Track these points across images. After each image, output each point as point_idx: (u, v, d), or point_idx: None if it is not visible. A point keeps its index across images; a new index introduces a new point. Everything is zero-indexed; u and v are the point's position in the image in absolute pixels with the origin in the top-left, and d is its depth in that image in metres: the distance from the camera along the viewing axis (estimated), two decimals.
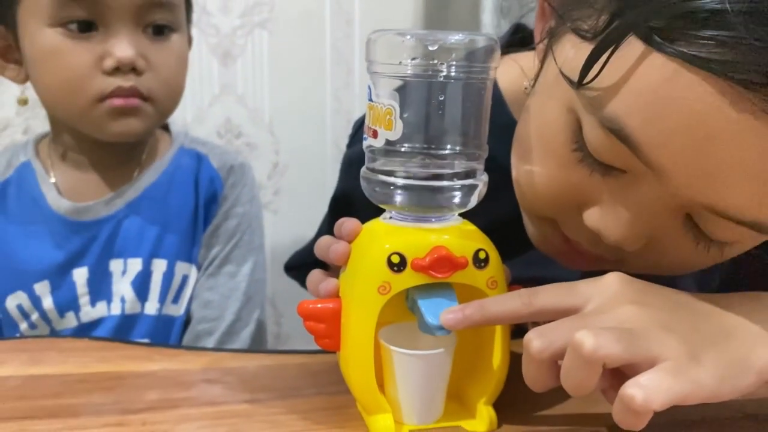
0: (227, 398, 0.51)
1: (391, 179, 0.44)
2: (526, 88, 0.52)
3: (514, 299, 0.43)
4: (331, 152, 1.29)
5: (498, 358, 0.47)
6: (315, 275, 0.50)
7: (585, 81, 0.40)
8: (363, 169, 0.46)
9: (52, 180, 0.84)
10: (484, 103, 0.45)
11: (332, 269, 0.50)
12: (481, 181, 0.45)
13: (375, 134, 0.44)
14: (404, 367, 0.45)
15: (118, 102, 0.75)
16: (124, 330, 0.83)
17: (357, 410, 0.49)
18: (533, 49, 0.52)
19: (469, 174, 0.45)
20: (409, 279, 0.44)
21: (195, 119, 1.28)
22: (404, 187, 0.44)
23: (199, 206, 0.87)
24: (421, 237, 0.44)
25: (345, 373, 0.47)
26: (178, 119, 1.26)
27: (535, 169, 0.47)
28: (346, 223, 0.48)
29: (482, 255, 0.45)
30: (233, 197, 0.89)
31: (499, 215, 0.52)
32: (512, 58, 0.60)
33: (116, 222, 0.83)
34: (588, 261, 0.49)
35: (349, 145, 0.73)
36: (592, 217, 0.45)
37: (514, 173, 0.50)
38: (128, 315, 0.83)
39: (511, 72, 0.59)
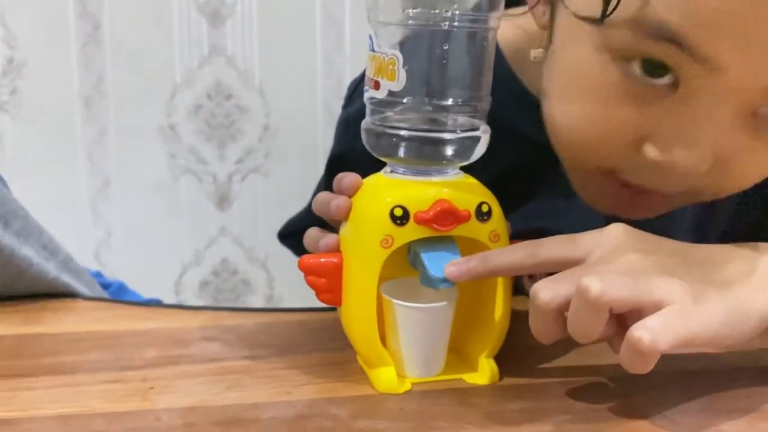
0: (227, 355, 0.51)
1: (394, 131, 0.43)
2: (535, 58, 0.50)
3: (518, 251, 0.43)
4: (322, 115, 1.27)
5: (500, 311, 0.47)
6: (313, 232, 0.50)
7: (610, 8, 0.39)
8: (364, 122, 0.46)
9: None
10: (488, 54, 0.44)
11: (329, 230, 0.49)
12: (484, 134, 0.45)
13: (377, 85, 0.44)
14: (406, 321, 0.45)
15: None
16: None
17: (358, 365, 0.49)
18: (525, 4, 0.51)
19: (472, 126, 0.44)
20: (411, 232, 0.44)
21: (184, 81, 1.25)
22: (406, 139, 0.43)
23: None
24: (424, 190, 0.44)
25: (347, 328, 0.47)
26: (166, 81, 1.24)
27: (585, 119, 0.45)
28: (346, 178, 0.47)
29: (485, 208, 0.45)
30: None
31: (497, 169, 0.51)
32: (507, 15, 0.59)
33: None
34: (654, 204, 0.48)
35: (346, 106, 0.72)
36: (654, 150, 0.42)
37: (553, 129, 0.48)
38: None
39: (506, 29, 0.58)
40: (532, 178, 0.61)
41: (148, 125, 1.25)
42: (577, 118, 0.46)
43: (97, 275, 0.90)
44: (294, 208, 0.75)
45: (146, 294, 0.92)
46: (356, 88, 0.68)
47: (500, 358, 0.47)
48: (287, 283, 1.33)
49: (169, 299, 1.29)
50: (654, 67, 0.41)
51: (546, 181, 0.61)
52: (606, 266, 0.40)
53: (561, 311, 0.40)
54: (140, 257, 1.29)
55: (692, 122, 0.41)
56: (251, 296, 1.35)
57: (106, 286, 0.86)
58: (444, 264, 0.44)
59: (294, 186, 1.19)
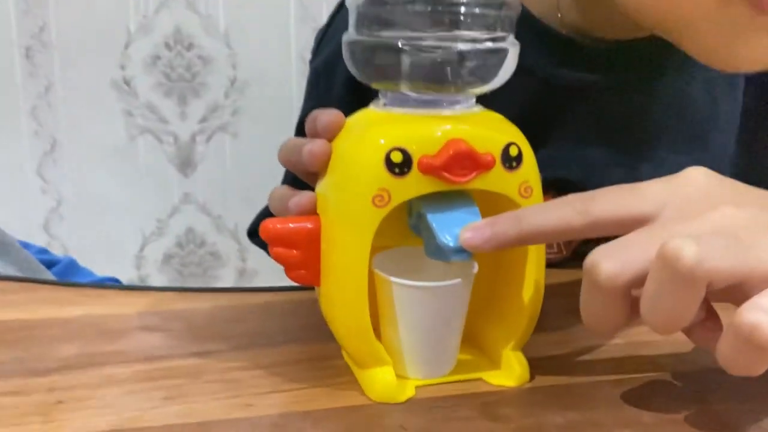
0: (169, 351, 0.39)
1: (390, 42, 0.31)
2: None
3: (563, 207, 0.31)
4: (296, 66, 1.17)
5: (530, 289, 0.35)
6: (281, 190, 0.38)
7: None
8: (347, 35, 0.34)
9: None
10: None
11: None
12: (513, 47, 0.33)
13: None
14: (409, 305, 0.34)
15: None
16: None
17: (344, 363, 0.37)
18: None
19: (497, 37, 0.32)
20: (414, 185, 0.32)
21: (140, 29, 1.14)
22: (407, 54, 0.31)
23: None
24: (431, 127, 0.32)
25: (328, 316, 0.35)
26: (119, 30, 1.12)
27: None
28: (323, 115, 0.35)
29: (513, 151, 0.33)
30: None
31: (512, 106, 0.40)
32: None
33: None
34: None
35: (313, 60, 0.62)
36: None
37: None
38: None
39: None
40: (545, 122, 0.51)
41: (100, 80, 1.14)
42: None
43: (43, 252, 0.79)
44: (266, 171, 0.65)
45: (102, 271, 0.82)
46: (323, 37, 0.60)
47: (527, 350, 0.36)
48: (262, 255, 1.22)
49: (129, 275, 1.20)
50: None
51: (560, 125, 0.51)
52: (690, 224, 0.29)
53: (629, 290, 0.29)
54: (95, 229, 1.19)
55: None
56: (221, 270, 1.25)
57: (51, 264, 0.74)
58: (459, 228, 0.32)
59: (266, 147, 1.06)
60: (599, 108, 0.50)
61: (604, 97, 0.51)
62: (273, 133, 1.13)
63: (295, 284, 0.36)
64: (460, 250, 0.32)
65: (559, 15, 0.49)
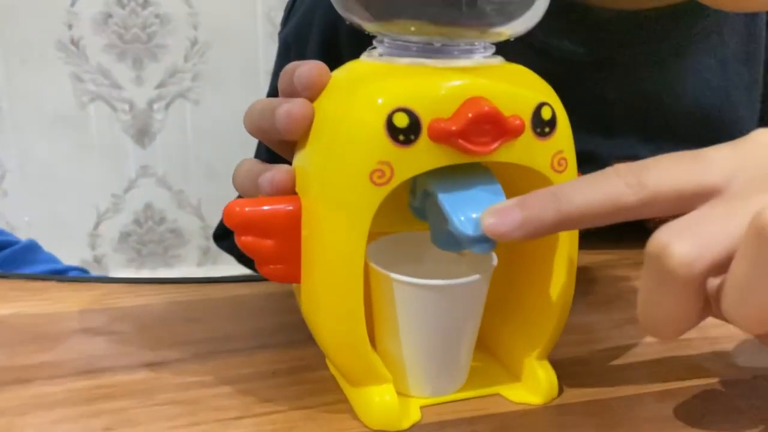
0: (115, 361, 0.32)
1: None
2: None
3: (611, 180, 0.25)
4: (263, 27, 1.12)
5: (558, 284, 0.29)
6: (249, 163, 0.31)
7: None
8: None
9: None
10: None
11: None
12: None
13: None
14: (414, 308, 0.27)
15: None
16: None
17: (330, 374, 0.31)
18: None
19: None
20: (424, 156, 0.25)
21: None
22: None
23: None
24: (445, 82, 0.25)
25: (312, 322, 0.28)
26: None
27: None
28: (303, 68, 0.28)
29: (546, 113, 0.27)
30: None
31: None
32: None
33: None
34: None
35: (282, 30, 0.57)
36: None
37: None
38: None
39: None
40: (561, 97, 0.45)
41: (45, 40, 1.07)
42: None
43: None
44: (231, 141, 0.60)
45: (53, 252, 0.74)
46: (292, 6, 0.56)
47: (553, 360, 0.30)
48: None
49: (82, 256, 1.15)
50: None
51: (576, 99, 0.45)
52: None
53: (704, 279, 0.23)
54: (44, 205, 1.13)
55: None
56: (183, 248, 1.20)
57: (4, 245, 0.66)
58: (479, 212, 0.25)
59: (230, 115, 1.03)
60: (601, 88, 0.45)
61: (609, 75, 0.45)
62: (238, 99, 1.08)
63: None
64: (482, 239, 0.25)
65: None
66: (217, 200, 0.94)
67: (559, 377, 0.30)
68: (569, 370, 0.31)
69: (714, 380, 0.31)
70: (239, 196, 0.31)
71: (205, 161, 1.12)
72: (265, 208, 0.27)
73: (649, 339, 0.34)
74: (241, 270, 0.55)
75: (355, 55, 0.29)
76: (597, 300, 0.39)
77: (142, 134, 1.13)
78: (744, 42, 0.48)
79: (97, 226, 1.16)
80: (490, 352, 0.32)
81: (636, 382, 0.31)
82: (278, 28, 0.62)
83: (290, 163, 0.30)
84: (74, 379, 0.31)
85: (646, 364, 0.33)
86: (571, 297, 0.30)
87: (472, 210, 0.26)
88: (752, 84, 0.49)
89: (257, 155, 0.53)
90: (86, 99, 1.10)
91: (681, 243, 0.23)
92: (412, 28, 0.26)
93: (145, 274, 1.16)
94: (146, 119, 1.13)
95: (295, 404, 0.29)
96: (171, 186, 1.16)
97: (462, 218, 0.26)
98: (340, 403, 0.29)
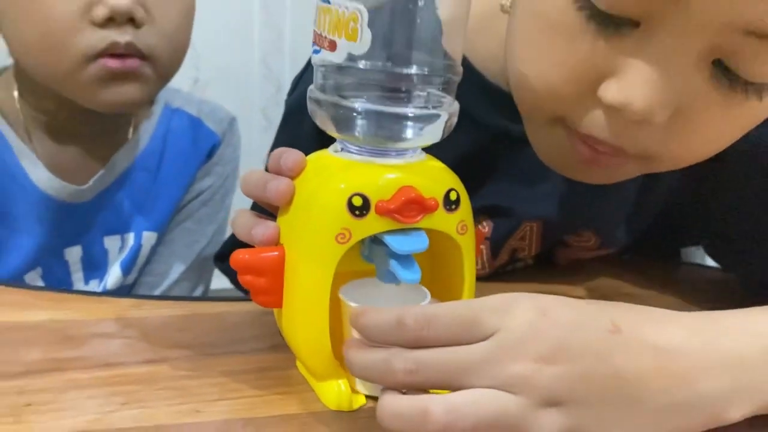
0: (126, 358, 0.43)
1: (350, 103, 0.36)
2: (503, 6, 0.46)
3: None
4: (258, 69, 1.17)
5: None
6: (245, 216, 0.42)
7: None
8: (311, 90, 0.38)
9: (33, 153, 0.68)
10: (462, 15, 0.38)
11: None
12: (454, 110, 0.39)
13: (333, 46, 0.36)
14: None
15: (112, 63, 0.60)
16: None
17: (294, 372, 0.42)
18: None
19: (442, 101, 0.38)
20: (371, 225, 0.37)
21: None
22: (365, 113, 0.36)
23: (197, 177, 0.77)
24: (385, 175, 0.37)
25: (289, 334, 0.40)
26: None
27: (546, 58, 0.41)
28: (288, 155, 0.40)
29: (453, 196, 0.39)
30: (218, 154, 0.78)
31: (457, 150, 0.45)
32: None
33: (110, 196, 0.71)
34: (607, 165, 0.43)
35: (288, 98, 0.65)
36: (611, 89, 0.39)
37: (515, 77, 0.44)
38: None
39: None
40: (490, 166, 0.56)
41: None
42: (538, 57, 0.41)
43: None
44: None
45: None
46: (299, 80, 0.62)
47: None
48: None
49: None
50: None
51: (502, 168, 0.56)
52: (493, 371, 0.34)
53: None
54: None
55: (652, 62, 0.38)
56: None
57: None
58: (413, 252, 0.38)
59: None
60: (528, 159, 0.50)
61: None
62: None
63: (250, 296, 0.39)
64: (408, 276, 0.37)
65: (499, 68, 0.53)
66: None
67: None
68: None
69: None
70: (232, 234, 0.41)
71: None
72: (263, 255, 0.38)
73: None
74: (225, 285, 0.63)
75: None
76: None
77: None
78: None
79: None
80: None
81: None
82: (272, 69, 0.68)
83: (274, 216, 0.41)
84: (97, 369, 0.41)
85: None
86: None
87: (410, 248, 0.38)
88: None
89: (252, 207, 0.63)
90: None
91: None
92: (363, 141, 0.38)
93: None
94: None
95: (262, 392, 0.39)
96: None
97: (397, 263, 0.38)
98: (298, 393, 0.40)
